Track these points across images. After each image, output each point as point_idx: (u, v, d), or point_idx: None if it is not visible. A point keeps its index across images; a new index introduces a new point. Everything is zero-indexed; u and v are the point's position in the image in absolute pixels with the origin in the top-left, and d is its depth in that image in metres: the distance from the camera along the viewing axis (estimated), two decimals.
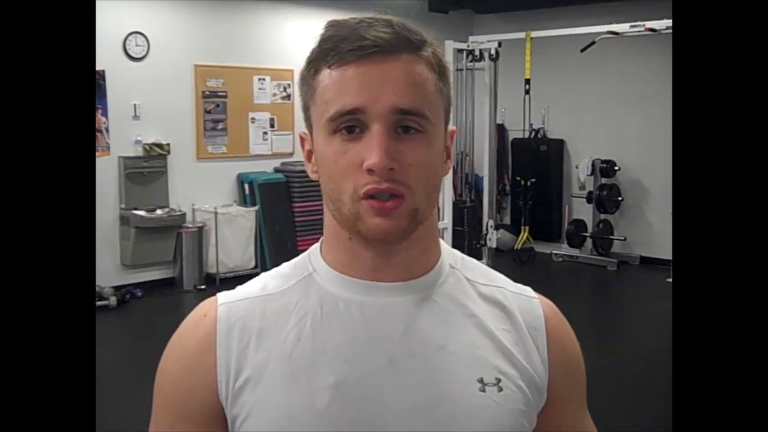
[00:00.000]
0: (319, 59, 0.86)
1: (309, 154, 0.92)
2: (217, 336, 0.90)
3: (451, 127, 0.93)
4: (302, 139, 0.94)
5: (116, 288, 6.54)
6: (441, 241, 0.98)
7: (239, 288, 0.96)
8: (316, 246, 0.96)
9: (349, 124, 0.84)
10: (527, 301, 0.98)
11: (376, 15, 0.87)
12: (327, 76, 0.85)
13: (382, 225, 0.84)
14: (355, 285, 0.91)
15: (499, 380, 0.90)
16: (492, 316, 0.94)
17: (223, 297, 0.94)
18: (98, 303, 6.28)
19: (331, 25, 0.87)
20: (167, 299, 6.67)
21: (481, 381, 0.89)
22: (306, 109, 0.90)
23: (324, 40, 0.86)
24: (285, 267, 0.97)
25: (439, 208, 5.91)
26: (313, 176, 0.92)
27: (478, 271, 0.98)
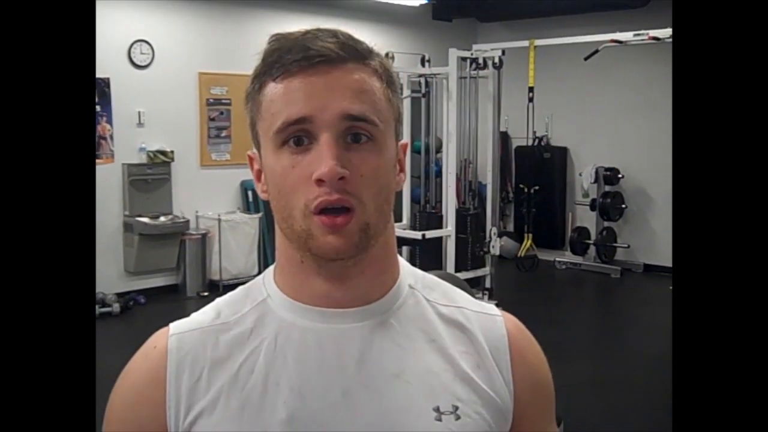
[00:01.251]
0: (263, 74, 0.85)
1: (258, 174, 0.90)
2: (168, 369, 0.86)
3: (402, 140, 0.90)
4: (251, 159, 0.91)
5: (120, 295, 6.55)
6: (401, 260, 0.95)
7: (193, 315, 0.92)
8: (270, 269, 0.94)
9: (297, 134, 0.82)
10: (490, 320, 0.94)
11: (319, 27, 0.85)
12: (272, 89, 0.84)
13: (333, 242, 0.82)
14: (310, 312, 0.88)
15: (456, 408, 0.87)
16: (452, 338, 0.91)
17: (175, 327, 0.90)
18: (101, 310, 6.29)
19: (275, 39, 0.86)
20: (171, 306, 6.67)
21: (437, 410, 0.86)
22: (253, 126, 0.88)
23: (268, 54, 0.85)
24: (239, 291, 0.93)
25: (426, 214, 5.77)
26: (263, 196, 0.89)
27: (439, 291, 0.95)
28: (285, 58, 0.82)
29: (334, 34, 0.84)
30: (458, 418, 0.86)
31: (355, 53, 0.84)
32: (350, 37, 0.85)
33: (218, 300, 0.94)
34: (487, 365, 0.91)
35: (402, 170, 0.91)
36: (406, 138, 6.94)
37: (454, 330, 0.92)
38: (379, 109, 0.84)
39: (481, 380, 0.89)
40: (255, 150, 0.89)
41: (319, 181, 0.80)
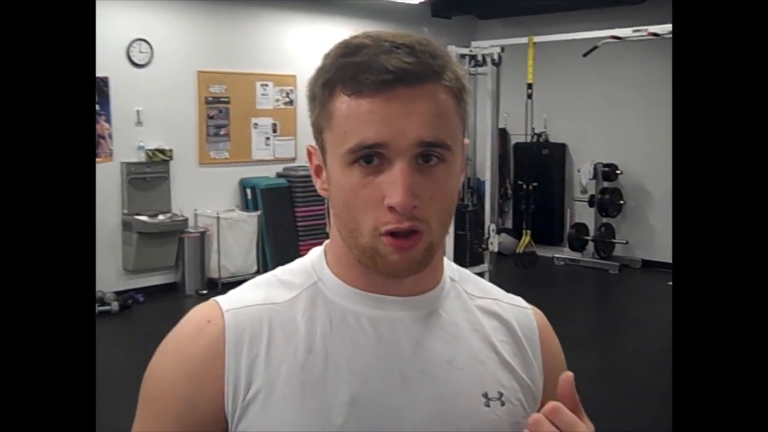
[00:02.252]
0: (335, 83, 0.83)
1: (318, 170, 0.90)
2: (226, 344, 0.85)
3: (465, 140, 0.91)
4: (310, 153, 0.91)
5: (118, 293, 6.55)
6: None
7: (237, 293, 0.91)
8: (319, 253, 0.94)
9: (370, 155, 0.81)
10: (522, 312, 0.99)
11: (395, 35, 0.83)
12: (345, 104, 0.82)
13: (400, 263, 0.84)
14: (365, 298, 0.89)
15: (501, 394, 0.90)
16: (492, 328, 0.95)
17: (226, 303, 0.89)
18: (100, 308, 6.29)
19: (348, 47, 0.83)
20: (169, 304, 6.67)
21: (485, 396, 0.90)
22: (319, 131, 0.87)
23: (342, 65, 0.82)
24: (286, 274, 0.93)
25: None
26: (323, 193, 0.90)
27: (473, 283, 0.99)
28: (361, 76, 0.81)
29: (412, 49, 0.82)
30: (503, 404, 0.90)
31: (432, 72, 0.82)
32: (428, 52, 0.82)
33: (261, 280, 0.93)
34: (524, 354, 0.95)
35: (463, 170, 0.91)
36: None
37: (493, 320, 0.95)
38: (453, 130, 0.85)
39: (520, 368, 0.94)
40: (316, 147, 0.89)
41: (392, 208, 0.81)
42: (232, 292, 0.91)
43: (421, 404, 0.86)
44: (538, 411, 0.92)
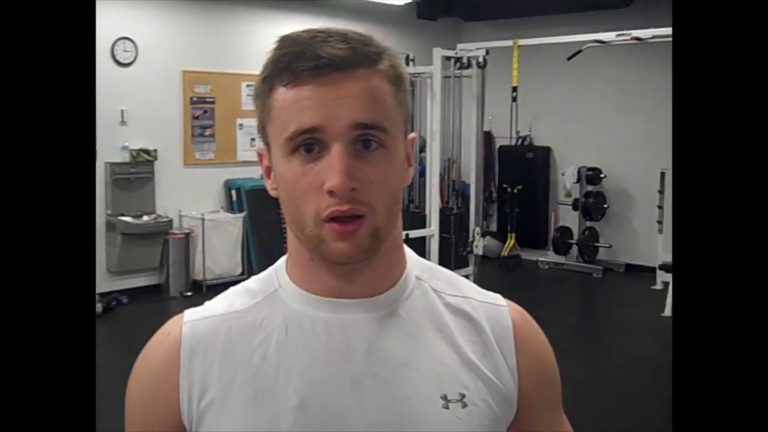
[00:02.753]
0: (273, 77, 0.85)
1: (268, 170, 0.91)
2: (181, 355, 0.89)
3: (411, 135, 0.91)
4: (260, 156, 0.92)
5: (102, 295, 6.50)
6: (408, 250, 0.96)
7: (207, 304, 0.94)
8: (282, 260, 0.95)
9: (308, 142, 0.82)
10: (496, 309, 0.96)
11: (329, 28, 0.85)
12: (283, 94, 0.84)
13: (345, 248, 0.83)
14: (319, 302, 0.89)
15: (463, 396, 0.89)
16: (459, 328, 0.93)
17: (189, 314, 0.93)
18: None
19: (284, 41, 0.85)
20: (154, 306, 6.63)
21: (444, 398, 0.88)
22: (263, 127, 0.88)
23: (278, 58, 0.84)
24: (252, 282, 0.95)
25: (417, 214, 5.78)
26: (272, 193, 0.90)
27: (446, 281, 0.97)
28: (295, 65, 0.82)
29: (344, 37, 0.84)
30: (465, 406, 0.89)
31: (366, 58, 0.84)
32: (361, 40, 0.84)
33: (231, 290, 0.96)
34: (492, 354, 0.93)
35: (410, 165, 0.92)
36: None
37: (461, 319, 0.94)
38: (390, 114, 0.85)
39: (487, 368, 0.92)
40: (264, 147, 0.90)
41: (331, 192, 0.81)
42: (206, 303, 0.95)
43: (372, 408, 0.86)
44: (517, 414, 0.94)
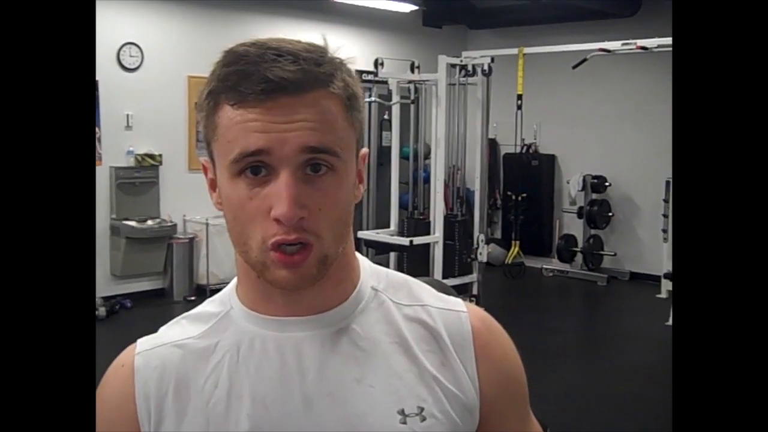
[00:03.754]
0: (219, 93, 0.81)
1: (213, 183, 0.88)
2: (136, 386, 0.87)
3: (363, 150, 0.89)
4: (205, 168, 0.89)
5: (106, 299, 6.51)
6: (362, 260, 0.94)
7: (161, 330, 0.93)
8: (233, 281, 0.93)
9: (254, 165, 0.80)
10: (454, 315, 0.93)
11: (281, 42, 0.82)
12: (228, 113, 0.81)
13: (288, 277, 0.81)
14: (268, 322, 0.88)
15: (422, 409, 0.86)
16: (416, 338, 0.90)
17: (141, 344, 0.91)
18: None
19: (231, 56, 0.82)
20: (157, 310, 6.63)
21: (401, 412, 0.85)
22: (207, 143, 0.85)
23: (225, 75, 0.81)
24: (207, 304, 0.93)
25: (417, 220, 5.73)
26: (217, 207, 0.88)
27: (404, 290, 0.94)
28: (242, 86, 0.79)
29: (295, 57, 0.80)
30: (424, 419, 0.86)
31: (317, 80, 0.81)
32: (313, 60, 0.81)
33: (185, 315, 0.94)
34: (451, 362, 0.90)
35: (361, 182, 0.89)
36: (394, 144, 6.98)
37: (418, 328, 0.91)
38: (341, 137, 0.82)
39: (446, 379, 0.89)
40: (209, 159, 0.87)
41: (278, 219, 0.79)
42: (160, 329, 0.93)
43: (327, 428, 0.84)
44: (481, 423, 0.90)
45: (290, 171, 0.79)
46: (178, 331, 0.91)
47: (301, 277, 0.82)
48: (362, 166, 0.89)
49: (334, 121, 0.82)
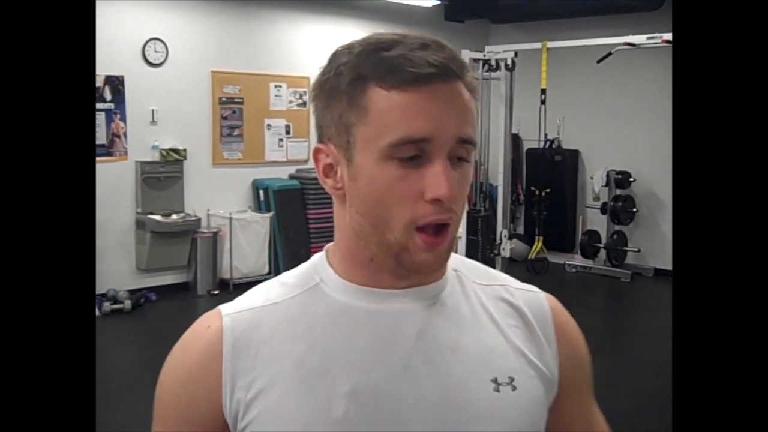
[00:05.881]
0: (369, 77, 0.83)
1: (328, 169, 0.89)
2: (223, 347, 0.87)
3: None
4: (318, 152, 0.90)
5: (131, 292, 6.59)
6: None
7: (240, 299, 0.93)
8: (321, 257, 0.95)
9: (414, 153, 0.82)
10: (533, 296, 0.99)
11: (417, 33, 0.84)
12: (384, 97, 0.82)
13: (429, 260, 0.85)
14: (367, 294, 0.90)
15: (512, 379, 0.90)
16: (501, 313, 0.94)
17: (227, 308, 0.92)
18: (113, 306, 6.34)
19: (380, 42, 0.84)
20: (181, 304, 6.70)
21: (495, 381, 0.89)
22: (346, 127, 0.85)
23: (378, 60, 0.83)
24: (287, 276, 0.95)
25: None
26: (335, 192, 0.89)
27: (480, 272, 0.99)
28: (405, 69, 0.81)
29: (440, 46, 0.84)
30: (515, 389, 0.90)
31: (461, 69, 0.84)
32: (451, 50, 0.85)
33: (264, 284, 0.95)
34: (535, 338, 0.95)
35: None
36: None
37: (503, 305, 0.96)
38: (475, 128, 0.86)
39: (531, 353, 0.93)
40: (326, 144, 0.88)
41: (435, 201, 0.82)
42: (237, 299, 0.93)
43: (424, 392, 0.86)
44: (556, 398, 0.95)
45: (445, 156, 0.83)
46: (261, 297, 0.92)
47: (437, 259, 0.86)
48: None
49: (473, 113, 0.86)
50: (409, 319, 0.89)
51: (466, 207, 6.63)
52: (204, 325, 0.90)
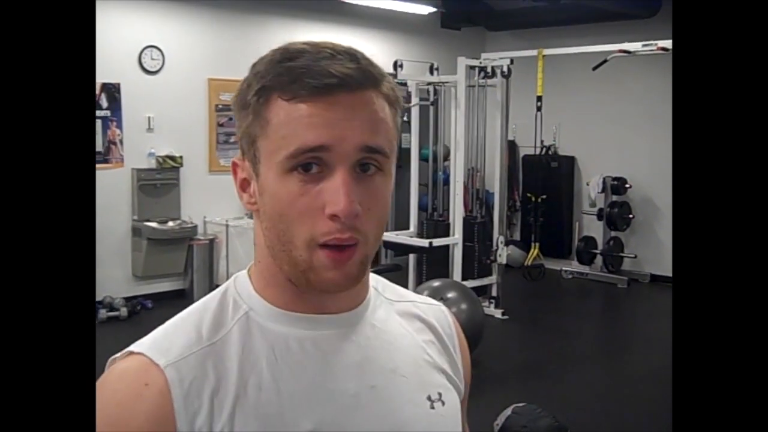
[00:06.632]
0: (272, 89, 0.80)
1: (245, 183, 0.86)
2: (174, 404, 0.79)
3: None
4: (235, 166, 0.87)
5: (127, 299, 6.58)
6: None
7: (162, 338, 0.85)
8: (242, 279, 0.90)
9: (310, 161, 0.78)
10: (438, 310, 1.01)
11: (334, 43, 0.82)
12: (284, 109, 0.79)
13: (335, 278, 0.81)
14: (301, 320, 0.86)
15: (441, 395, 0.92)
16: (417, 330, 0.96)
17: (159, 355, 0.82)
18: (109, 314, 6.32)
19: (286, 52, 0.81)
20: (177, 311, 6.50)
21: (429, 399, 0.91)
22: (252, 141, 0.82)
23: (281, 71, 0.80)
24: (210, 303, 0.89)
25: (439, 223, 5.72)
26: (250, 207, 0.86)
27: (390, 288, 0.98)
28: (304, 80, 0.78)
29: (352, 56, 0.81)
30: (444, 404, 0.92)
31: (373, 79, 0.81)
32: (368, 61, 0.82)
33: (183, 320, 0.89)
34: (447, 352, 0.97)
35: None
36: (414, 146, 6.98)
37: (417, 322, 0.97)
38: (390, 138, 0.83)
39: (446, 366, 0.96)
40: (242, 158, 0.86)
41: (334, 217, 0.78)
42: (155, 339, 0.85)
43: (376, 419, 0.86)
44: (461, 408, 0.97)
45: (346, 168, 0.79)
46: (192, 336, 0.85)
47: (344, 277, 0.81)
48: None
49: (386, 122, 0.82)
50: (350, 345, 0.87)
51: (462, 213, 6.66)
52: (138, 382, 0.80)
